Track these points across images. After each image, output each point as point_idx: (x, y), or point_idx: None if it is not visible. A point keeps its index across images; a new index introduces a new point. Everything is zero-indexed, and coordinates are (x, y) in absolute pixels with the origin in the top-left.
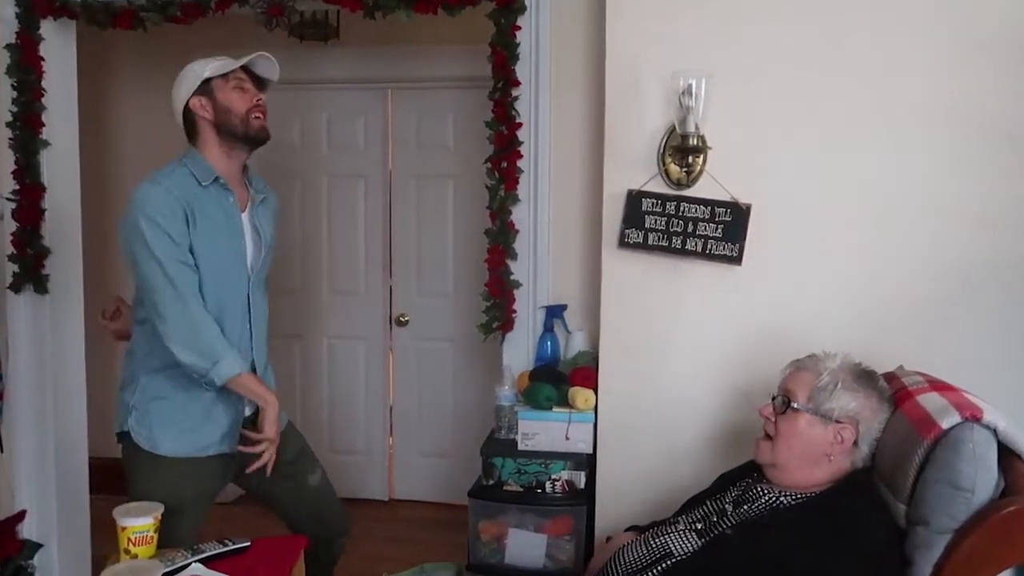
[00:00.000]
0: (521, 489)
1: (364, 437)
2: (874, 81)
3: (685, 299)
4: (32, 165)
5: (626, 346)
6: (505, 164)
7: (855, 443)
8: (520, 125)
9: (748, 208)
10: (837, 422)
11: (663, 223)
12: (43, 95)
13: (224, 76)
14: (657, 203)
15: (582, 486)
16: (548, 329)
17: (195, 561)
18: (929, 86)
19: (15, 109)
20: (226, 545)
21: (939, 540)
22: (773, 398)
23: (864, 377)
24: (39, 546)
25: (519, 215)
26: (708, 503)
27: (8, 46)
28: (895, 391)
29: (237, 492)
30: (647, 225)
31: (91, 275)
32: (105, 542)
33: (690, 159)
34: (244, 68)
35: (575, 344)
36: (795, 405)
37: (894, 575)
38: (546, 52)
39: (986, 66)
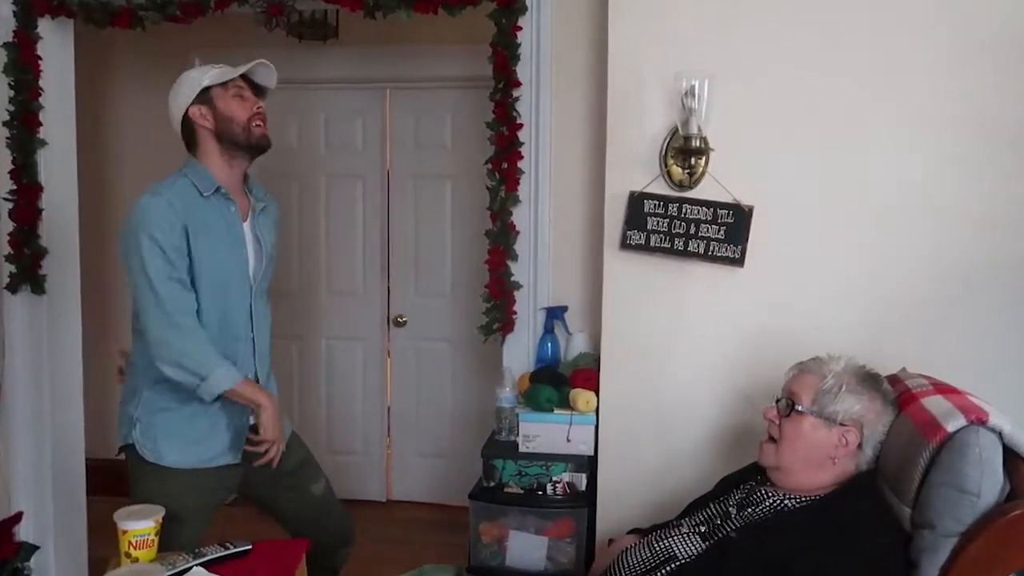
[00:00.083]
0: (522, 491)
1: (362, 438)
2: (875, 81)
3: (687, 301)
4: (29, 165)
5: (628, 348)
6: (506, 165)
7: (859, 446)
8: (521, 126)
9: (750, 210)
10: (841, 425)
11: (665, 225)
12: (40, 94)
13: (223, 84)
14: (659, 205)
15: (583, 488)
16: (548, 330)
17: (196, 565)
18: (930, 86)
19: (12, 108)
20: (227, 548)
21: (945, 544)
22: (777, 400)
23: (868, 380)
24: (36, 548)
25: (519, 216)
26: (711, 506)
27: (5, 45)
28: (899, 394)
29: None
30: (649, 227)
31: (88, 275)
32: (102, 544)
33: (692, 161)
34: (242, 75)
35: (576, 346)
36: (799, 408)
37: None
38: (547, 53)
39: (987, 66)
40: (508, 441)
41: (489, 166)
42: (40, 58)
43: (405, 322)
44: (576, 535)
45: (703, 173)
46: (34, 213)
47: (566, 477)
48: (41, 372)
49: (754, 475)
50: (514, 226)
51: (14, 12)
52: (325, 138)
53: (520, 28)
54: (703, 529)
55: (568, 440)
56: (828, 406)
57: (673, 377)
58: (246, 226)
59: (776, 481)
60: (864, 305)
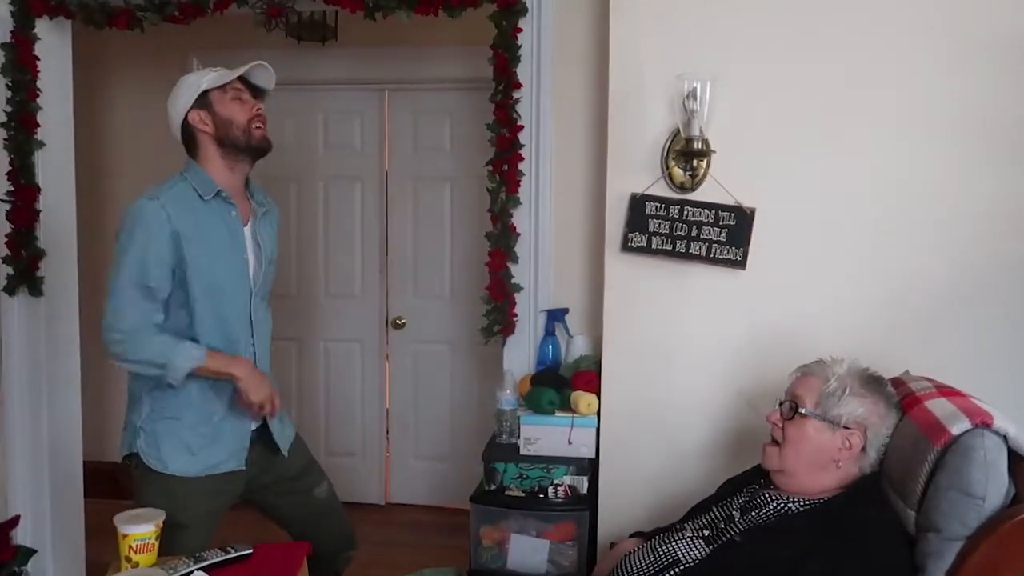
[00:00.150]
0: (523, 494)
1: (360, 440)
2: (879, 84)
3: (689, 303)
4: (27, 166)
5: (629, 350)
6: (507, 167)
7: (863, 449)
8: (521, 128)
9: (752, 212)
10: (845, 428)
11: (667, 227)
12: (38, 95)
13: (221, 87)
14: (661, 207)
15: (584, 491)
16: (549, 333)
17: (197, 569)
18: (935, 87)
19: (10, 109)
20: (228, 552)
21: (951, 547)
22: (780, 403)
23: (872, 382)
24: (33, 552)
25: (520, 218)
26: (715, 509)
27: (3, 45)
28: (902, 397)
29: None
30: (651, 229)
31: (86, 277)
32: (100, 547)
33: (694, 162)
34: (240, 77)
35: (576, 348)
36: (803, 411)
37: None
38: (548, 54)
39: (989, 67)
40: (509, 444)
41: (490, 168)
42: (38, 59)
43: (404, 324)
44: (577, 538)
45: (705, 175)
46: (32, 215)
47: (567, 480)
48: (39, 374)
49: (757, 478)
50: (515, 228)
51: (12, 12)
52: (324, 139)
53: (521, 30)
54: (707, 533)
55: (569, 443)
56: (832, 409)
57: (675, 379)
58: (247, 230)
59: (779, 484)
60: (866, 307)
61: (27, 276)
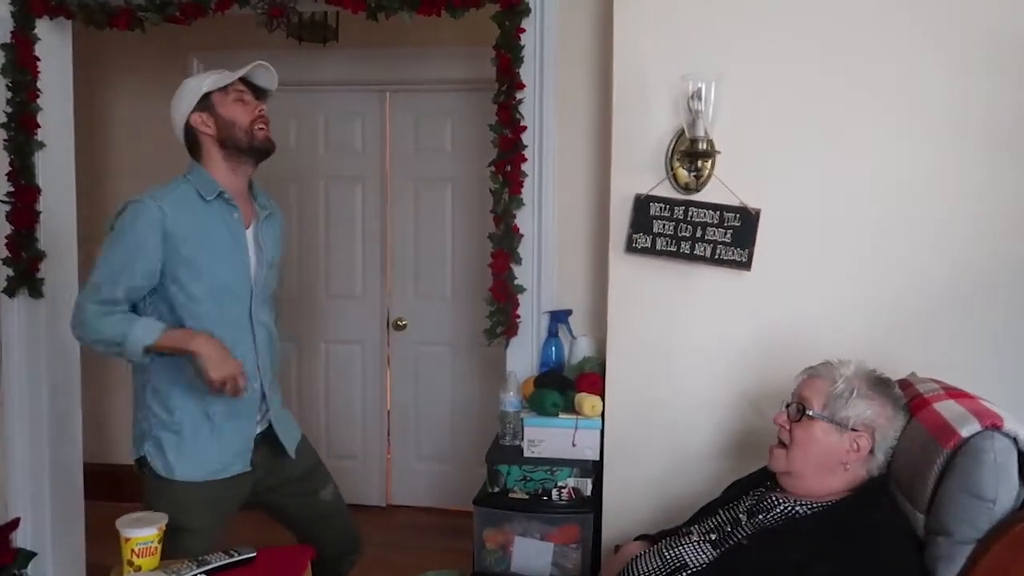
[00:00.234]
0: (527, 497)
1: (361, 442)
2: (885, 83)
3: (693, 305)
4: (27, 167)
5: (633, 352)
6: (510, 168)
7: (871, 451)
8: (524, 128)
9: (758, 213)
10: (853, 430)
11: (671, 228)
12: (38, 96)
13: (223, 89)
14: (665, 208)
15: (589, 494)
16: (552, 334)
17: (200, 573)
18: (941, 87)
19: (10, 110)
20: (231, 556)
21: (961, 551)
22: (787, 405)
23: (879, 384)
24: (33, 555)
25: (523, 219)
26: (721, 512)
27: (3, 46)
28: (910, 398)
29: None
30: (655, 230)
31: (86, 279)
32: (101, 550)
33: (699, 163)
34: (242, 79)
35: (580, 350)
36: (810, 413)
37: None
38: (551, 55)
39: (992, 67)
40: (512, 446)
41: (492, 169)
42: (38, 59)
43: (405, 325)
44: (582, 541)
45: (709, 176)
46: (32, 216)
47: (571, 482)
48: (39, 376)
49: (763, 480)
50: (518, 229)
51: (12, 13)
52: (324, 140)
53: (524, 30)
54: (714, 537)
55: (573, 445)
56: (839, 411)
57: (679, 381)
58: (249, 232)
59: (787, 487)
60: (871, 308)
61: (27, 278)
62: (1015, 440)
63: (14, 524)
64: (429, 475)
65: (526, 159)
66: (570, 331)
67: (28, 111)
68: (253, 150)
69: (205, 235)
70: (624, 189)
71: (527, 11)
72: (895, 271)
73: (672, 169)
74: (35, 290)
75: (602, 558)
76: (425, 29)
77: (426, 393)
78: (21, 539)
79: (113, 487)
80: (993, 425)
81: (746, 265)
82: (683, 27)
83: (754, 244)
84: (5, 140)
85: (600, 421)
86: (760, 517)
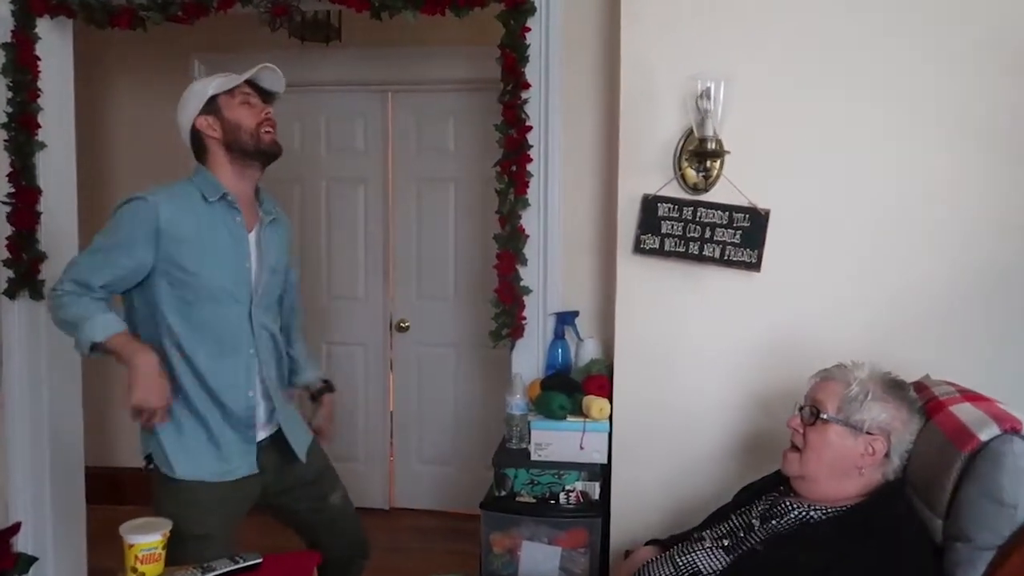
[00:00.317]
0: (534, 500)
1: (364, 444)
2: (896, 83)
3: (702, 306)
4: (28, 167)
5: (641, 354)
6: (515, 168)
7: (886, 455)
8: (530, 128)
9: (767, 213)
10: (868, 433)
11: (680, 228)
12: (39, 96)
13: (230, 92)
14: (673, 208)
15: (597, 497)
16: (559, 336)
17: None
18: (943, 88)
19: (10, 110)
20: (237, 562)
21: (981, 557)
22: (800, 408)
23: (894, 387)
24: (34, 559)
25: (529, 219)
26: (733, 517)
27: (4, 45)
28: (925, 401)
29: None
30: (663, 231)
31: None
32: (103, 554)
33: (707, 163)
34: (248, 82)
35: (587, 352)
36: (824, 416)
37: None
38: (556, 54)
39: (991, 67)
40: (519, 449)
41: (498, 169)
42: (39, 59)
43: (408, 327)
44: (590, 545)
45: (718, 176)
46: (33, 217)
47: (579, 486)
48: (40, 378)
49: (776, 484)
50: (523, 229)
51: (12, 12)
52: (327, 141)
53: (529, 29)
54: (726, 542)
55: (581, 448)
56: (854, 414)
57: (688, 383)
58: (251, 236)
59: (800, 491)
60: (882, 310)
61: (28, 279)
62: None
63: (15, 528)
64: (432, 477)
65: (531, 159)
66: (577, 333)
67: (29, 111)
68: (259, 153)
69: (205, 237)
70: (632, 189)
71: (532, 10)
72: (908, 273)
73: (680, 169)
74: (36, 292)
75: (610, 562)
76: (428, 29)
77: (429, 395)
78: (22, 543)
79: (114, 491)
80: (1012, 429)
81: (756, 266)
82: (691, 26)
83: (764, 245)
84: (6, 140)
85: (608, 424)
86: (774, 522)
